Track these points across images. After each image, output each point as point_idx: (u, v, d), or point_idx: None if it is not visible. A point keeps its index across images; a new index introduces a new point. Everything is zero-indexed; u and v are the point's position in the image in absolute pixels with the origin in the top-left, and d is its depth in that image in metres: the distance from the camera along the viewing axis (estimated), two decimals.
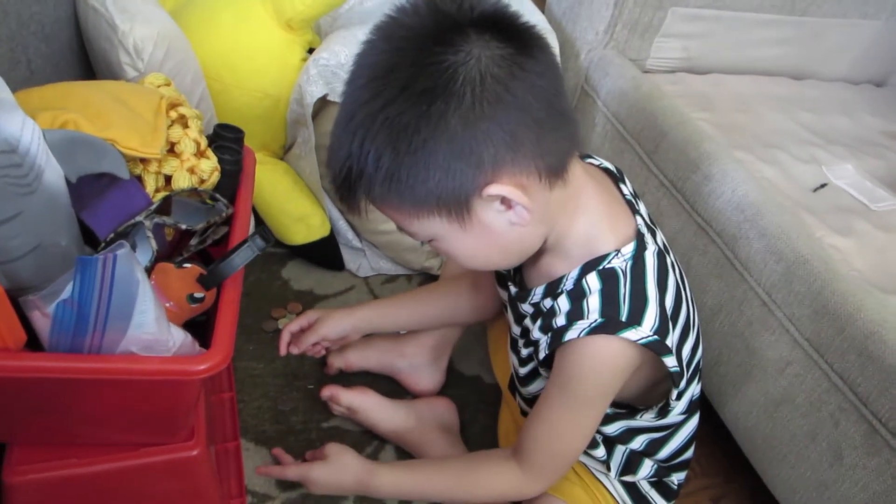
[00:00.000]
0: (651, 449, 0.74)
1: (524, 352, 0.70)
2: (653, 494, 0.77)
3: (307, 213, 1.06)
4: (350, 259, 1.12)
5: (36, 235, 0.52)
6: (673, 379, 0.63)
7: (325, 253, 1.09)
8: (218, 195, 0.67)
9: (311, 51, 1.06)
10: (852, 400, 0.69)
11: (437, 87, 0.49)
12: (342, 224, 1.11)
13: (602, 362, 0.60)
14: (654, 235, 0.64)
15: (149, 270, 0.57)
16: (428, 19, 0.51)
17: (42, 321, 0.50)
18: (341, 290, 1.09)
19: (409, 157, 0.50)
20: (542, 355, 0.64)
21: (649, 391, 0.70)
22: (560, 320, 0.61)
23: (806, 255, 0.75)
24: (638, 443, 0.74)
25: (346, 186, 0.55)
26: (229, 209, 0.67)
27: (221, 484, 0.73)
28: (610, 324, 0.58)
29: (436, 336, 0.93)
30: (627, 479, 0.76)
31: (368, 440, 0.88)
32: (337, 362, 0.93)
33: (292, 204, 1.06)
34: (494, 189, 0.52)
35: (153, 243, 0.59)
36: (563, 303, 0.62)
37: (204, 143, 0.68)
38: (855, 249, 0.83)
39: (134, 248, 0.60)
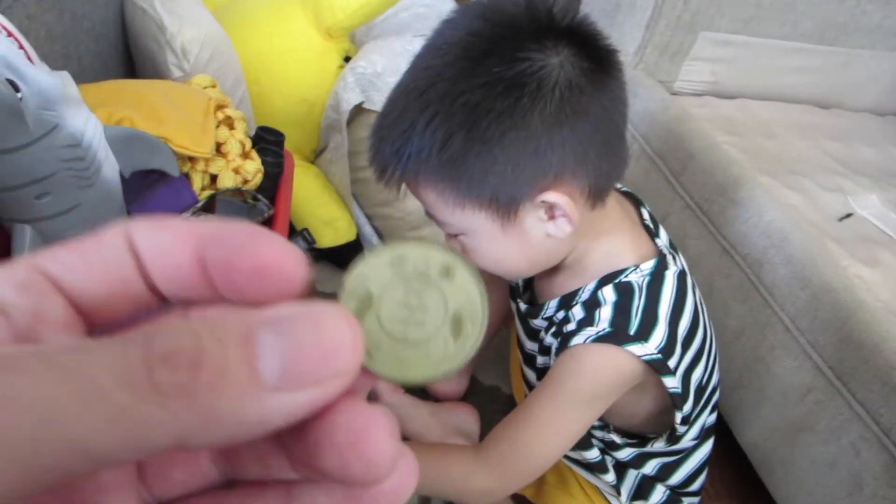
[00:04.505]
0: (663, 474, 0.74)
1: (540, 360, 0.70)
2: None
3: (335, 216, 1.08)
4: None
5: (89, 228, 0.53)
6: (674, 402, 0.63)
7: (350, 257, 1.11)
8: (259, 195, 0.69)
9: (346, 59, 1.08)
10: (874, 430, 0.69)
11: (528, 84, 0.49)
12: (368, 229, 1.12)
13: (601, 368, 0.60)
14: (674, 258, 0.64)
15: None
16: (524, 13, 0.50)
17: None
18: None
19: (481, 146, 0.49)
20: (552, 361, 0.64)
21: (657, 417, 0.69)
22: (570, 326, 0.61)
23: (832, 284, 0.76)
24: (650, 467, 0.74)
25: (396, 159, 0.52)
26: (270, 209, 0.68)
27: None
28: (618, 335, 0.58)
29: None
30: None
31: None
32: None
33: (321, 207, 1.08)
34: (551, 196, 0.52)
35: None
36: (577, 312, 0.62)
37: (248, 144, 0.70)
38: (880, 280, 0.83)
39: None
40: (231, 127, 0.69)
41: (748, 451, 0.86)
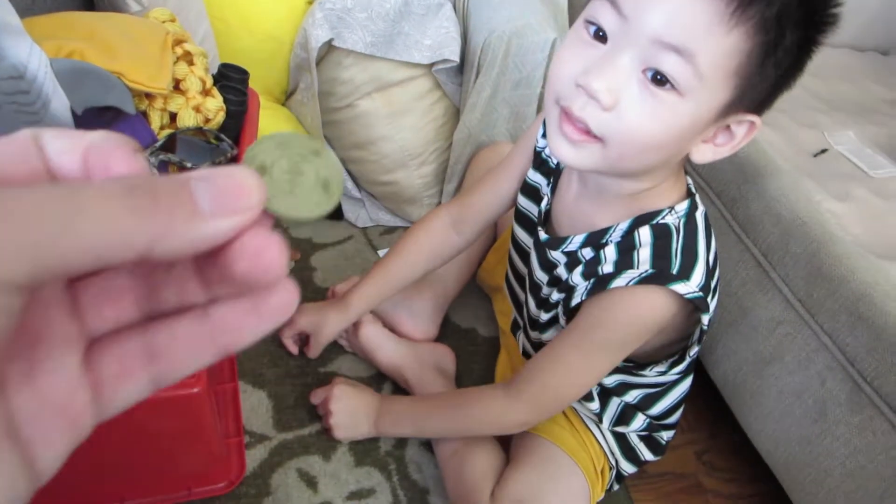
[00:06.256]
0: (644, 404, 0.76)
1: (555, 297, 0.69)
2: (641, 447, 0.79)
3: None
4: (349, 209, 1.11)
5: None
6: (700, 338, 0.64)
7: None
8: (222, 135, 0.67)
9: None
10: (840, 359, 0.71)
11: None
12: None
13: (642, 313, 0.60)
14: (696, 195, 0.64)
15: None
16: None
17: None
18: (339, 239, 1.10)
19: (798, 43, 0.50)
20: (575, 301, 0.64)
21: (662, 349, 0.70)
22: (607, 268, 0.61)
23: (804, 218, 0.76)
24: (632, 396, 0.75)
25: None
26: (234, 149, 0.66)
27: (220, 423, 0.75)
28: (661, 275, 0.58)
29: (438, 288, 0.94)
30: (620, 429, 0.78)
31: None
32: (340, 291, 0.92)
33: None
34: (757, 119, 0.52)
35: None
36: (611, 253, 0.61)
37: (209, 81, 0.67)
38: (852, 214, 0.84)
39: None
40: (190, 63, 0.66)
41: (719, 385, 0.88)
